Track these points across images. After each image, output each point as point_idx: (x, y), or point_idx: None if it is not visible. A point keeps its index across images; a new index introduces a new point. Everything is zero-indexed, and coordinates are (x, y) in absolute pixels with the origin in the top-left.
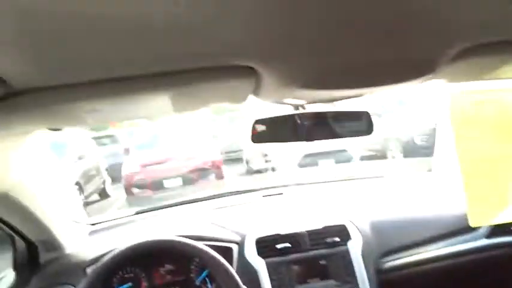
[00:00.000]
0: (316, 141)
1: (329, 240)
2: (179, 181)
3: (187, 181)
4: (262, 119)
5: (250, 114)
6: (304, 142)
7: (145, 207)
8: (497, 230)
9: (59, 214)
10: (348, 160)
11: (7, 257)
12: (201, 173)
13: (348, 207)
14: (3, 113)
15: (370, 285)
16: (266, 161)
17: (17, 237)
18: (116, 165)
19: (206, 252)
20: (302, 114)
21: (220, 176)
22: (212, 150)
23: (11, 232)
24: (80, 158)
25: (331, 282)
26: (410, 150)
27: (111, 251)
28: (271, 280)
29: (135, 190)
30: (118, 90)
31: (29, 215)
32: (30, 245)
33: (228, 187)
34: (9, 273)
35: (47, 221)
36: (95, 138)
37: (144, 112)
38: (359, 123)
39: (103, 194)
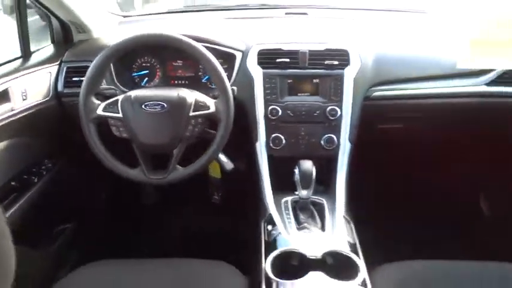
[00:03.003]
0: None
1: (328, 62)
2: None
3: None
4: None
5: None
6: None
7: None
8: (499, 79)
9: (91, 2)
10: None
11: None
12: None
13: (361, 35)
14: None
15: (353, 107)
16: None
17: (52, 18)
18: None
19: (201, 53)
20: None
21: None
22: None
23: (47, 12)
24: None
25: (319, 98)
26: None
27: None
28: (265, 88)
29: None
30: None
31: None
32: (64, 25)
33: None
34: (50, 46)
35: (78, 7)
36: None
37: None
38: None
39: None
